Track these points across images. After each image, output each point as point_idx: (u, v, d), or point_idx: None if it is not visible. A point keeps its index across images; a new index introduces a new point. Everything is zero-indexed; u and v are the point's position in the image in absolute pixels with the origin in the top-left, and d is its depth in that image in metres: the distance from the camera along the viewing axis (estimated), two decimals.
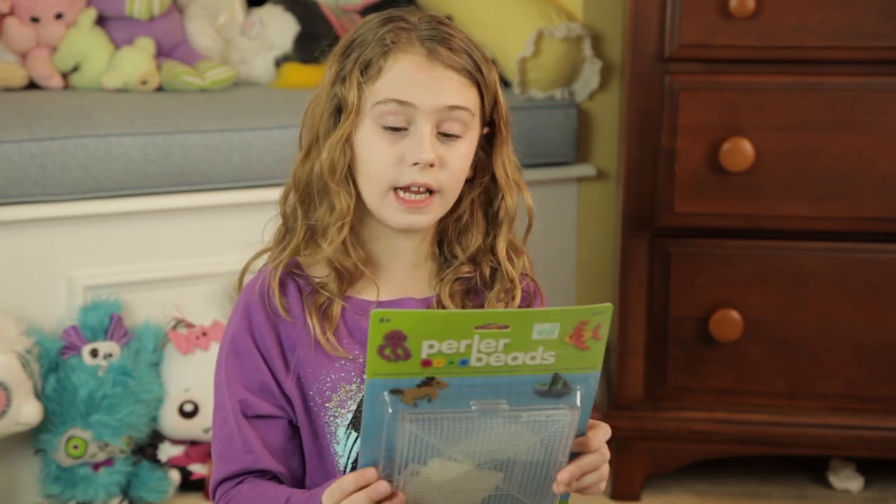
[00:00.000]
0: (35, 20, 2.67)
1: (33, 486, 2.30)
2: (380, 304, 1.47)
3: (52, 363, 2.26)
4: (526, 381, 1.21)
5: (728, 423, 2.39)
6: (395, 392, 1.21)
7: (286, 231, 1.51)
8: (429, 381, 1.21)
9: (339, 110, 1.46)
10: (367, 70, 1.44)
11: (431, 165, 1.41)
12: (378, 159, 1.43)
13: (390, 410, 1.22)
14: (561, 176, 2.78)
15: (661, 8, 2.31)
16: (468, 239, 1.49)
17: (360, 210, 1.47)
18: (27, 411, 2.18)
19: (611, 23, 2.79)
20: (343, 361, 1.45)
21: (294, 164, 1.49)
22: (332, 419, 1.45)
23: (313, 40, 2.83)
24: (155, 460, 2.36)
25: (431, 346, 1.20)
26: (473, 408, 1.22)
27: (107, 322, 2.29)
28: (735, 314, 2.36)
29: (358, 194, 1.46)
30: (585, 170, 2.80)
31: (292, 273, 1.47)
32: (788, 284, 2.36)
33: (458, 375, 1.21)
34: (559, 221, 2.80)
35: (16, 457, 2.29)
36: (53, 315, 2.30)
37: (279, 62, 2.85)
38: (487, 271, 1.49)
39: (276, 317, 1.46)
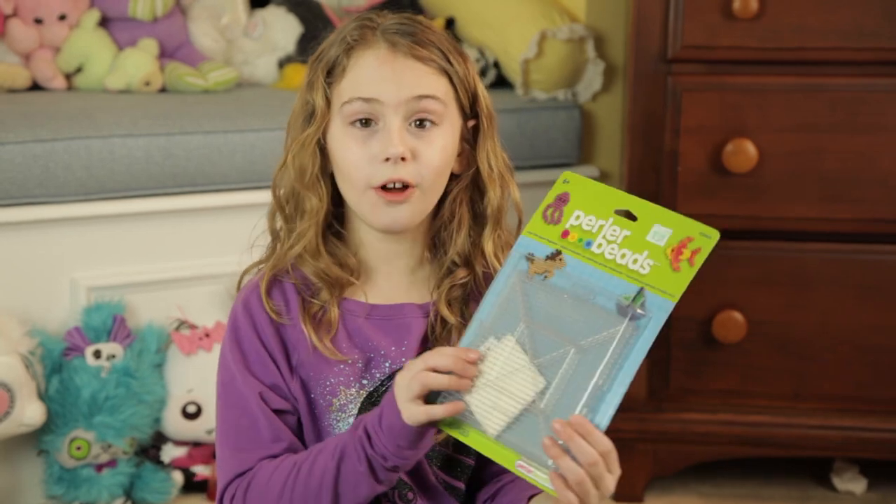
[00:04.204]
0: (38, 21, 2.67)
1: (36, 488, 2.30)
2: (379, 307, 1.46)
3: (56, 364, 2.26)
4: (618, 286, 1.30)
5: (731, 424, 2.39)
6: (528, 258, 1.33)
7: (274, 240, 1.50)
8: (554, 256, 1.33)
9: (310, 116, 1.45)
10: (332, 71, 1.43)
11: (403, 159, 1.39)
12: (351, 159, 1.41)
13: (513, 269, 1.33)
14: None
15: (665, 9, 2.31)
16: (455, 237, 1.47)
17: (349, 216, 1.47)
18: (30, 412, 2.18)
19: (614, 24, 2.79)
20: (342, 366, 1.44)
21: (274, 172, 1.49)
22: (335, 422, 1.45)
23: (316, 41, 2.83)
24: (158, 461, 2.36)
25: (577, 217, 1.33)
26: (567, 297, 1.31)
27: (110, 323, 2.29)
28: (738, 315, 2.36)
29: (342, 203, 1.46)
30: (588, 171, 2.80)
31: (290, 278, 1.46)
32: (792, 286, 2.36)
33: (578, 258, 1.32)
34: None
35: (19, 458, 2.29)
36: (57, 316, 2.30)
37: (282, 63, 2.85)
38: (482, 274, 1.47)
39: (274, 320, 1.45)
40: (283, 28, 2.87)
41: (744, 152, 2.31)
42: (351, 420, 1.44)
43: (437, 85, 1.42)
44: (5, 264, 2.25)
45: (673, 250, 1.30)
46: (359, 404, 1.44)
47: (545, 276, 1.32)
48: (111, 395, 2.26)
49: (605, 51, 2.79)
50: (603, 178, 2.81)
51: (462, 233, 1.46)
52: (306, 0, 2.92)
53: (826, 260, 2.35)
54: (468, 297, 1.47)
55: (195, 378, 2.34)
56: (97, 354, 2.27)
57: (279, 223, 1.49)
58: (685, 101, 2.33)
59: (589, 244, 1.32)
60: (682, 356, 2.40)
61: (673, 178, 2.34)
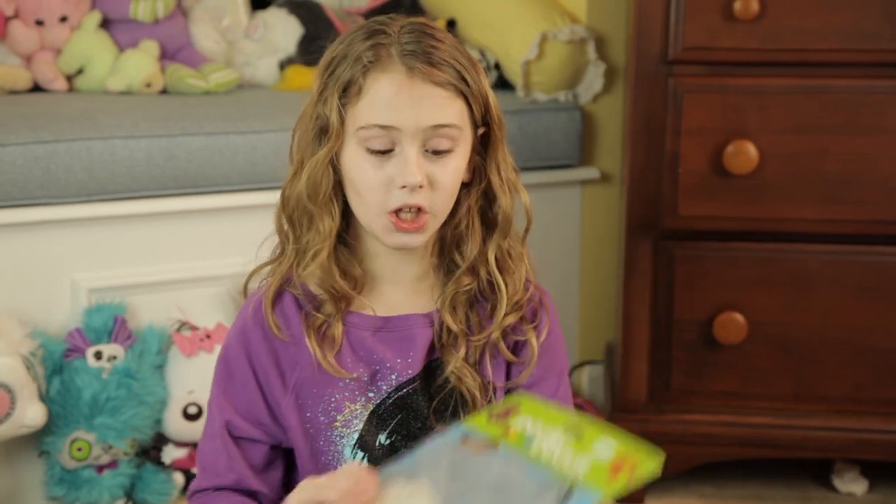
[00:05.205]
0: (39, 23, 2.67)
1: (37, 489, 2.30)
2: (384, 320, 1.46)
3: (57, 365, 2.26)
4: (548, 476, 1.24)
5: (732, 426, 2.39)
6: (464, 438, 1.29)
7: (282, 247, 1.49)
8: (491, 443, 1.28)
9: (323, 131, 1.43)
10: (347, 91, 1.40)
11: (420, 186, 1.39)
12: (366, 184, 1.40)
13: (450, 437, 1.30)
14: (565, 179, 2.78)
15: (665, 10, 2.31)
16: (466, 246, 1.47)
17: (356, 226, 1.46)
18: (31, 414, 2.18)
19: (615, 25, 2.79)
20: (347, 381, 1.44)
21: (284, 181, 1.47)
22: (338, 439, 1.44)
23: (317, 43, 2.82)
24: (159, 462, 2.36)
25: (523, 424, 1.28)
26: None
27: (111, 324, 2.29)
28: (739, 317, 2.36)
29: (349, 213, 1.45)
30: (589, 172, 2.80)
31: (292, 290, 1.45)
32: (792, 287, 2.36)
33: (515, 450, 1.27)
34: (563, 224, 2.80)
35: (20, 459, 2.29)
36: (58, 317, 2.31)
37: (283, 65, 2.85)
38: (486, 281, 1.47)
39: (273, 336, 1.44)
40: (284, 30, 2.87)
41: (744, 153, 2.31)
42: (355, 436, 1.44)
43: (453, 111, 1.41)
44: (7, 265, 2.26)
45: (613, 465, 1.27)
46: (364, 418, 1.44)
47: (476, 453, 1.29)
48: (112, 397, 2.26)
49: (605, 52, 2.79)
50: (604, 179, 2.81)
51: (474, 242, 1.46)
52: (307, 2, 2.92)
53: (827, 261, 2.35)
54: (472, 303, 1.47)
55: (196, 379, 2.33)
56: (98, 356, 2.27)
57: (286, 226, 1.48)
58: (686, 102, 2.33)
59: (530, 443, 1.28)
60: (683, 357, 2.40)
61: (674, 180, 2.34)
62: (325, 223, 1.43)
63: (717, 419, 2.40)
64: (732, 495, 2.47)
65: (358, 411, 1.44)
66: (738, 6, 2.27)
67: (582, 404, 2.70)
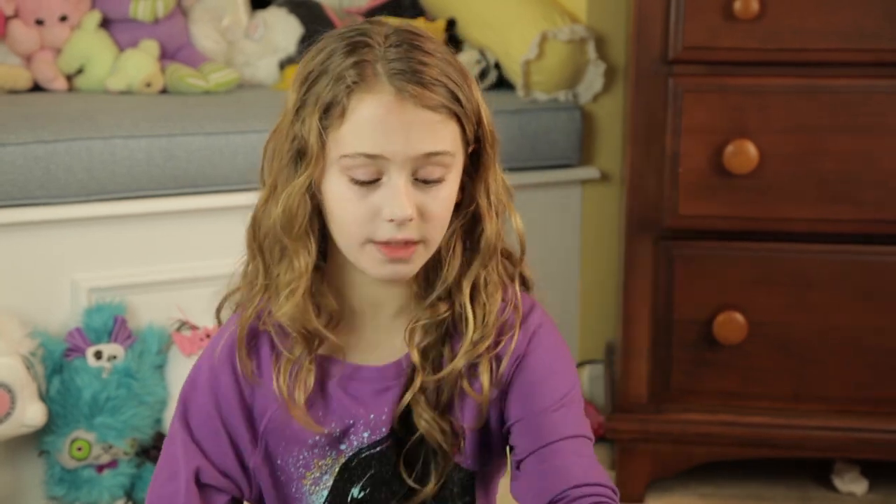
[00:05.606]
0: (39, 22, 2.67)
1: (37, 488, 2.30)
2: (356, 368, 1.35)
3: (57, 365, 2.26)
4: None
5: (732, 425, 2.39)
6: None
7: (252, 275, 1.36)
8: None
9: (300, 153, 1.30)
10: (329, 112, 1.27)
11: (410, 220, 1.26)
12: (350, 215, 1.28)
13: None
14: (564, 178, 2.78)
15: (665, 10, 2.31)
16: (443, 272, 1.33)
17: (335, 253, 1.33)
18: (31, 413, 2.18)
19: (615, 25, 2.79)
20: (317, 437, 1.35)
21: (256, 205, 1.35)
22: (309, 494, 1.38)
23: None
24: None
25: None
26: None
27: (111, 324, 2.29)
28: (739, 317, 2.36)
29: (326, 236, 1.32)
30: (589, 172, 2.80)
31: (264, 327, 1.34)
32: (793, 287, 2.36)
33: None
34: (563, 224, 2.80)
35: (20, 459, 2.29)
36: (58, 317, 2.30)
37: (283, 64, 2.85)
38: (460, 311, 1.34)
39: (244, 380, 1.34)
40: (284, 29, 2.87)
41: (744, 153, 2.31)
42: (325, 493, 1.36)
43: (446, 135, 1.28)
44: (6, 265, 2.25)
45: None
46: (335, 472, 1.37)
47: None
48: (112, 396, 2.26)
49: (605, 52, 2.79)
50: (604, 178, 2.81)
51: (453, 268, 1.34)
52: (307, 1, 2.92)
53: (827, 261, 2.35)
54: (444, 337, 1.35)
55: None
56: (98, 355, 2.27)
57: (256, 256, 1.35)
58: (686, 102, 2.33)
59: None
60: (683, 357, 2.40)
61: (674, 179, 2.34)
62: (300, 260, 1.30)
63: (716, 419, 2.40)
64: (732, 495, 2.47)
65: (329, 466, 1.37)
66: (738, 6, 2.27)
67: None
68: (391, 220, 1.26)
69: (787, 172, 2.32)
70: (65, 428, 2.26)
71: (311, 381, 1.32)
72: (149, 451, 2.36)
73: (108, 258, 2.34)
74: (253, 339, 1.35)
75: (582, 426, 1.37)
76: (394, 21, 1.35)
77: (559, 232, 2.79)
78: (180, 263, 2.39)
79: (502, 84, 2.83)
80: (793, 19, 2.28)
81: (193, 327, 2.37)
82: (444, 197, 1.29)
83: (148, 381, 2.30)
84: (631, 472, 2.41)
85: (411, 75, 1.26)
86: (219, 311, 1.41)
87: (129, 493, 2.33)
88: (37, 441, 2.27)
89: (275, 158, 1.32)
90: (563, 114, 2.75)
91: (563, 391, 1.37)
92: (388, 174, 1.27)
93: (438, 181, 1.29)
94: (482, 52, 2.82)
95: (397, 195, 1.26)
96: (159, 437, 2.37)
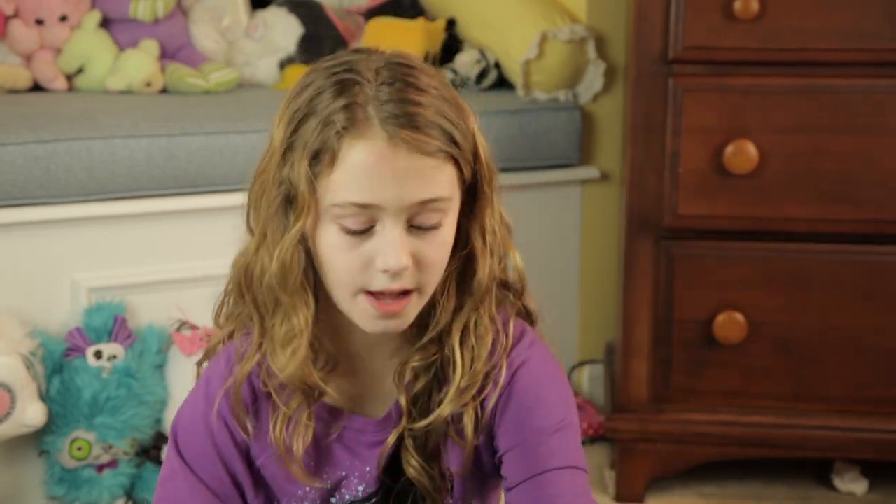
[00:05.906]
0: (39, 22, 2.67)
1: (37, 488, 2.30)
2: (350, 418, 1.32)
3: (57, 365, 2.26)
4: None
5: (732, 425, 2.39)
6: None
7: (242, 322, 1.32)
8: None
9: (289, 199, 1.24)
10: (318, 158, 1.20)
11: (405, 269, 1.21)
12: (342, 264, 1.22)
13: None
14: (564, 178, 2.78)
15: (665, 10, 2.31)
16: (438, 314, 1.28)
17: (328, 298, 1.28)
18: (31, 413, 2.18)
19: (615, 25, 2.79)
20: (307, 488, 1.32)
21: (243, 251, 1.28)
22: None
23: (317, 42, 2.83)
24: (159, 462, 2.36)
25: None
26: None
27: (111, 324, 2.29)
28: (739, 316, 2.36)
29: (320, 289, 1.27)
30: (589, 172, 2.80)
31: (265, 385, 1.29)
32: (793, 286, 2.36)
33: None
34: (563, 224, 2.80)
35: (20, 459, 2.29)
36: (58, 317, 2.30)
37: (283, 64, 2.85)
38: (450, 355, 1.29)
39: (238, 431, 1.31)
40: (285, 29, 2.87)
41: (744, 153, 2.31)
42: None
43: (443, 180, 1.21)
44: (6, 265, 2.25)
45: None
46: None
47: None
48: (112, 396, 2.26)
49: (605, 52, 2.79)
50: (604, 178, 2.81)
51: (446, 311, 1.28)
52: (307, 1, 2.92)
53: (827, 261, 2.35)
54: (433, 382, 1.30)
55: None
56: (98, 355, 2.27)
57: (250, 307, 1.29)
58: (686, 101, 2.33)
59: None
60: (683, 357, 2.40)
61: (674, 179, 2.34)
62: (299, 317, 1.24)
63: (716, 418, 2.40)
64: (732, 494, 2.47)
65: None
66: (738, 6, 2.27)
67: (582, 404, 2.70)
68: (385, 271, 1.21)
69: (787, 172, 2.32)
70: (65, 428, 2.26)
71: (310, 435, 1.29)
72: (149, 451, 2.36)
73: (108, 258, 2.34)
74: (247, 390, 1.31)
75: (574, 456, 1.32)
76: (387, 46, 1.28)
77: (559, 232, 2.79)
78: (180, 263, 2.39)
79: (502, 84, 2.83)
80: (793, 19, 2.28)
81: (193, 327, 2.37)
82: (441, 242, 1.24)
83: (148, 380, 2.30)
84: (631, 471, 2.41)
85: (405, 119, 1.19)
86: (202, 361, 1.38)
87: (129, 493, 2.33)
88: (37, 441, 2.27)
89: (262, 204, 1.27)
90: (563, 114, 2.75)
91: (554, 419, 1.31)
92: (381, 222, 1.21)
93: (435, 227, 1.23)
94: (482, 52, 2.82)
95: (391, 245, 1.20)
96: (159, 437, 2.37)
